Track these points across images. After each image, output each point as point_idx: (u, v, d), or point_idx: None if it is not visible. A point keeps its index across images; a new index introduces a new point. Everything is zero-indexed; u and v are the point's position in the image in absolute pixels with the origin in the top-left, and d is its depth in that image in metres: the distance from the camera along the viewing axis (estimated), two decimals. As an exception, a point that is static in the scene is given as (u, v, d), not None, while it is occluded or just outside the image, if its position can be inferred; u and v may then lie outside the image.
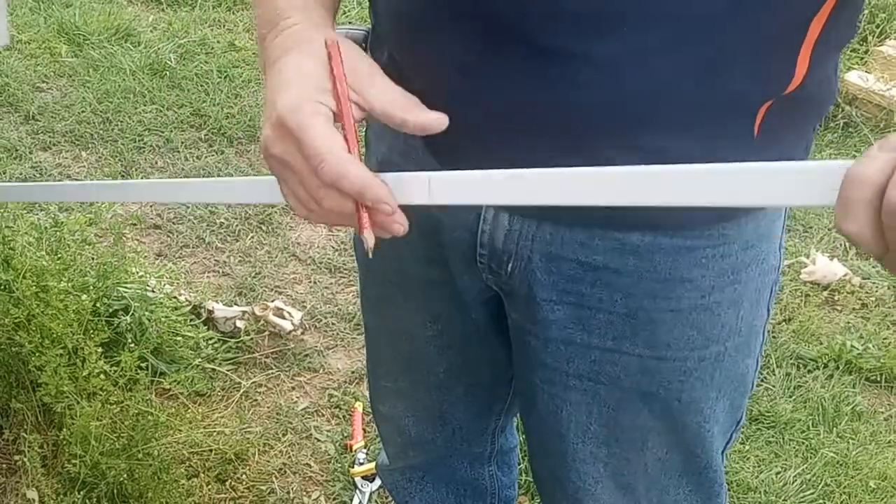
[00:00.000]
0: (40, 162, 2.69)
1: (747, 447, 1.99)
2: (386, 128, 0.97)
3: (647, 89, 0.73)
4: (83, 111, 2.91)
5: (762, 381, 2.15)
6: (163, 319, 1.94)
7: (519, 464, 1.50)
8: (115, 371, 1.66)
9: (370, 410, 1.48)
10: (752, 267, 0.90)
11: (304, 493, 1.82)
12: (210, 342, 2.06)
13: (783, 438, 2.02)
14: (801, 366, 2.22)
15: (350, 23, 3.23)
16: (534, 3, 0.72)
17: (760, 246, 0.90)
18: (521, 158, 0.83)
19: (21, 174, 2.61)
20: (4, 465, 1.76)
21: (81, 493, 1.59)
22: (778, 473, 1.94)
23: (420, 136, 0.93)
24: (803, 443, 2.01)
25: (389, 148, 0.98)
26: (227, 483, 1.80)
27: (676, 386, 0.94)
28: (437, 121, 0.71)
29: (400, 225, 0.71)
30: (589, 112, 0.75)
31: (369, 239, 0.70)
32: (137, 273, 2.00)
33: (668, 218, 0.84)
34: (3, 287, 1.70)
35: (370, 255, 0.72)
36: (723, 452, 1.04)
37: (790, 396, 2.12)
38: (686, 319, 0.89)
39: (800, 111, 0.81)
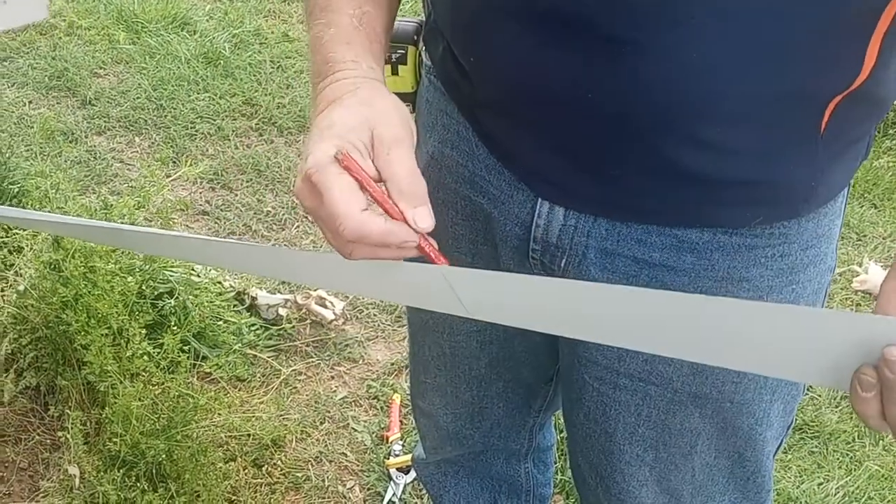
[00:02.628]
0: (95, 146, 2.74)
1: (790, 457, 1.95)
2: (437, 121, 0.97)
3: (708, 80, 0.72)
4: (138, 97, 2.95)
5: (808, 390, 2.11)
6: (206, 304, 1.97)
7: (554, 462, 1.49)
8: (158, 353, 1.69)
9: (408, 403, 1.49)
10: (810, 268, 0.88)
11: (339, 482, 1.83)
12: (252, 328, 2.08)
13: (827, 449, 1.98)
14: (848, 376, 2.17)
15: (404, 16, 3.24)
16: None
17: (819, 246, 0.88)
18: (578, 148, 0.82)
19: (76, 157, 2.66)
20: (48, 441, 1.79)
21: (121, 471, 1.61)
22: (820, 485, 1.90)
23: (474, 127, 0.92)
24: (847, 454, 1.97)
25: (441, 141, 0.97)
26: (264, 468, 1.82)
27: (730, 387, 0.92)
28: (421, 219, 0.70)
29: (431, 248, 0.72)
30: (648, 101, 0.74)
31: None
32: (183, 257, 2.02)
33: (730, 215, 0.83)
34: (52, 266, 1.74)
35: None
36: (773, 456, 1.03)
37: (836, 407, 2.07)
38: None
39: (865, 108, 0.79)
